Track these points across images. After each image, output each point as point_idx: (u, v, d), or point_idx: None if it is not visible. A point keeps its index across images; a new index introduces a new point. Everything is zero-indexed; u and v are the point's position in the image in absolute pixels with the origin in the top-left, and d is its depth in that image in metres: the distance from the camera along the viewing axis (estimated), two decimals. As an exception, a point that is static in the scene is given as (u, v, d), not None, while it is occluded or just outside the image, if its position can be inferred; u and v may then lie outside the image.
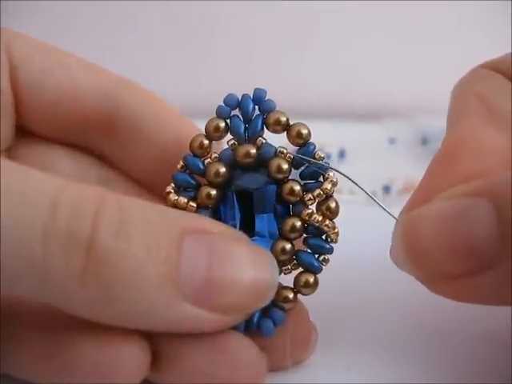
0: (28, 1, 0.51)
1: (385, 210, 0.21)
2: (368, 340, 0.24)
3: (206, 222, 0.20)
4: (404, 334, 0.24)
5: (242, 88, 0.22)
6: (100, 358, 0.18)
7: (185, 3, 0.53)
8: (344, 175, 0.21)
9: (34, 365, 0.19)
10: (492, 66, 0.24)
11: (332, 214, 0.21)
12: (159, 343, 0.19)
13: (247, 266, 0.19)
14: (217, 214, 0.21)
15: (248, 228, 0.21)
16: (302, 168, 0.21)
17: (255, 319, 0.21)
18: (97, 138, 0.24)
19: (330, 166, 0.21)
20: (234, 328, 0.20)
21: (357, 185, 0.21)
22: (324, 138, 0.22)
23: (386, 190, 0.39)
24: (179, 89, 0.50)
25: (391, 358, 0.22)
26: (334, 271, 0.21)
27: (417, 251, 0.19)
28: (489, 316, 0.24)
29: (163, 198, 0.21)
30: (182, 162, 0.21)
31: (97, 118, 0.23)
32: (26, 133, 0.24)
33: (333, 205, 0.21)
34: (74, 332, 0.19)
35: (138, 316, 0.18)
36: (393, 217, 0.21)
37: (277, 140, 0.22)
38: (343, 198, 0.22)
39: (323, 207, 0.21)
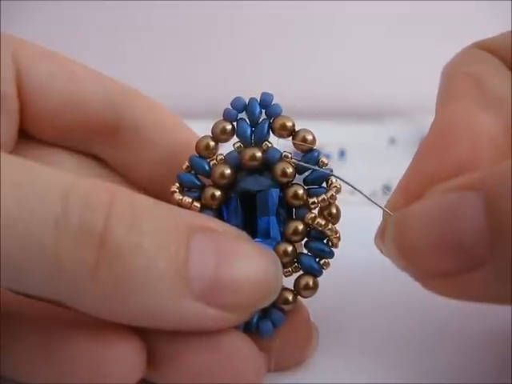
0: (27, 1, 0.51)
1: (384, 210, 0.21)
2: (368, 340, 0.24)
3: (211, 221, 0.20)
4: (404, 334, 0.24)
5: (243, 88, 0.22)
6: (96, 358, 0.18)
7: (185, 3, 0.53)
8: (344, 181, 0.21)
9: (30, 366, 0.19)
10: (484, 46, 0.24)
11: (333, 219, 0.21)
12: (157, 343, 0.19)
13: (253, 264, 0.19)
14: (220, 216, 0.21)
15: (250, 230, 0.21)
16: (306, 174, 0.21)
17: (254, 320, 0.21)
18: (99, 143, 0.24)
19: (332, 170, 0.21)
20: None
21: (357, 189, 0.21)
22: (324, 138, 0.22)
23: (386, 189, 0.39)
24: (179, 89, 0.50)
25: (391, 358, 0.23)
26: (333, 271, 0.22)
27: (408, 250, 0.18)
28: (489, 316, 0.24)
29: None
30: (187, 163, 0.22)
31: (99, 124, 0.24)
32: (27, 136, 0.24)
33: (334, 210, 0.21)
34: (71, 333, 0.19)
35: (146, 313, 0.18)
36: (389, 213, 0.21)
37: (274, 140, 0.22)
38: (343, 198, 0.22)
39: (325, 212, 0.21)
